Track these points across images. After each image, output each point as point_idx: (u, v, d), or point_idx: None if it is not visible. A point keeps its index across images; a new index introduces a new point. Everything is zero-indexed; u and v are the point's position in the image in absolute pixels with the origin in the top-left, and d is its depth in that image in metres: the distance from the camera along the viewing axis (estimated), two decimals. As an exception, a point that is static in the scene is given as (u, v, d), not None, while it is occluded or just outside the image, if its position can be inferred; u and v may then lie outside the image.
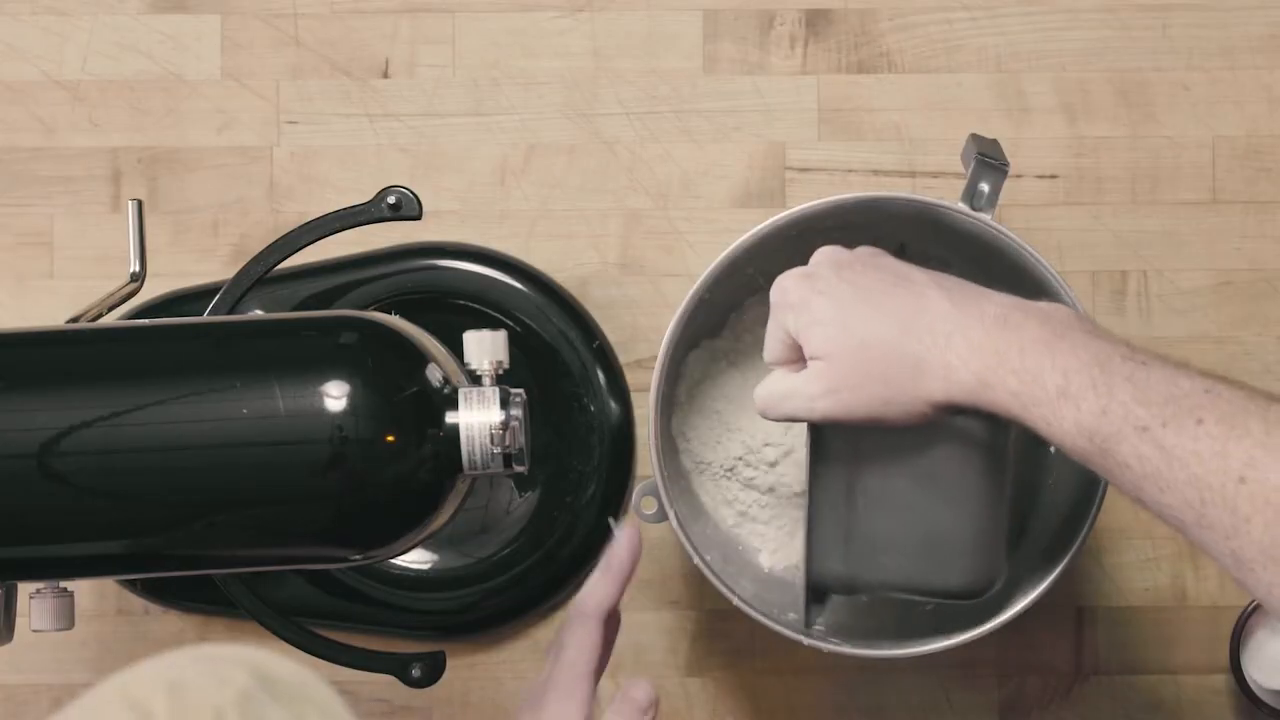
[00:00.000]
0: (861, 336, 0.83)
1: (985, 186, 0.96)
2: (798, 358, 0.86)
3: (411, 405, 0.81)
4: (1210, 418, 0.74)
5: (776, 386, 0.86)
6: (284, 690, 0.61)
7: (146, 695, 0.59)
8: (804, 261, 1.04)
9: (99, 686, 0.60)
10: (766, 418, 0.88)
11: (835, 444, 0.88)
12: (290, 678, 0.62)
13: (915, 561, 0.88)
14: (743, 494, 1.04)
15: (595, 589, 0.83)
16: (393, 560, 1.06)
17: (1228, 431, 0.73)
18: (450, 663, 0.92)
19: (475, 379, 0.86)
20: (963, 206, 0.96)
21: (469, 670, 1.07)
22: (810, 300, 0.84)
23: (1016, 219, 1.08)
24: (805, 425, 0.89)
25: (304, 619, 0.94)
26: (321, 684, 0.63)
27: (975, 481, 0.87)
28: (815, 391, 0.84)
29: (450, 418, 0.82)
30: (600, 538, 1.07)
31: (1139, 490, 0.76)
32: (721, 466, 1.04)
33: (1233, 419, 0.73)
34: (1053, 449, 1.01)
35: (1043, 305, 0.82)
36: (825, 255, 0.87)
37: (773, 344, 0.88)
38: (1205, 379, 0.76)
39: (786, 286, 0.86)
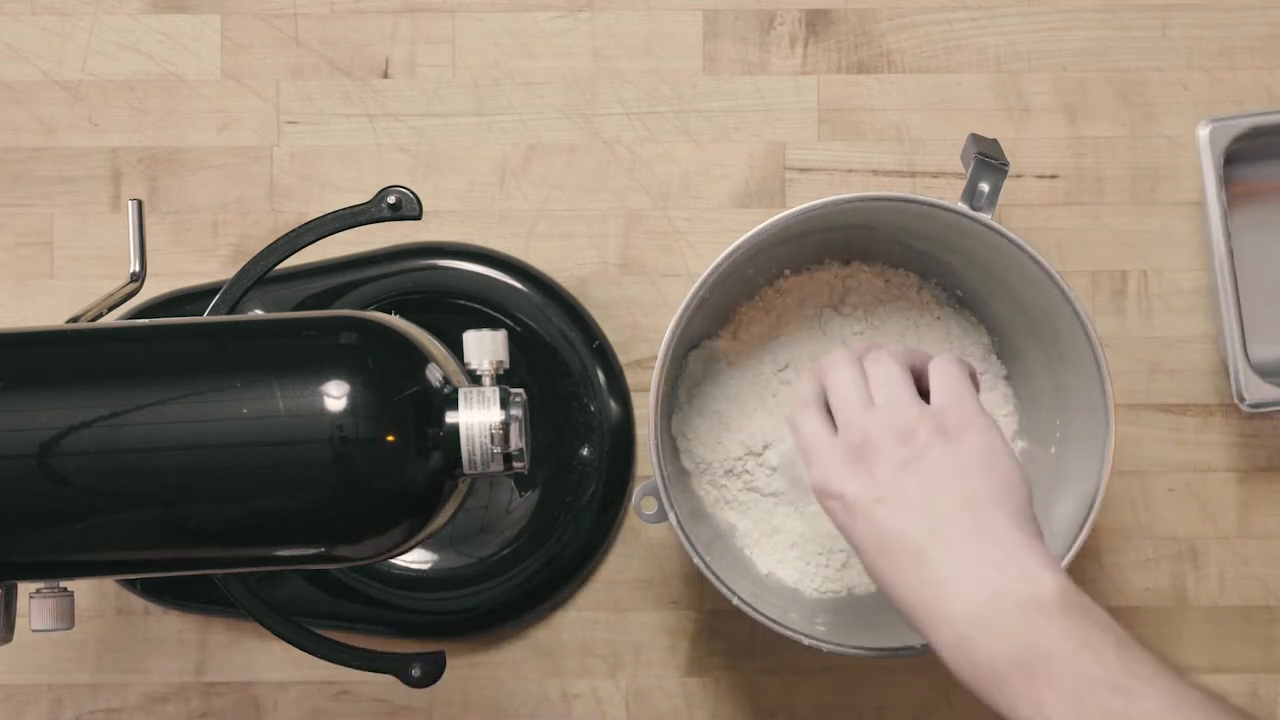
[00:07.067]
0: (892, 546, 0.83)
1: (985, 186, 0.96)
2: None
3: (411, 405, 0.81)
4: None
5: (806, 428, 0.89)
6: None
7: None
8: (802, 261, 1.04)
9: None
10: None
11: None
12: None
13: None
14: (743, 494, 1.04)
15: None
16: (393, 560, 1.06)
17: None
18: (450, 663, 0.92)
19: (475, 379, 0.86)
20: (963, 206, 0.96)
21: (469, 670, 1.07)
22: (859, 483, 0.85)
23: (1016, 219, 1.08)
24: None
25: (304, 619, 0.94)
26: None
27: None
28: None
29: (450, 418, 0.81)
30: (600, 537, 1.07)
31: None
32: (721, 466, 1.04)
33: None
34: (1052, 449, 1.01)
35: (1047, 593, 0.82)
36: (883, 424, 0.86)
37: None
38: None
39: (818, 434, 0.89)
